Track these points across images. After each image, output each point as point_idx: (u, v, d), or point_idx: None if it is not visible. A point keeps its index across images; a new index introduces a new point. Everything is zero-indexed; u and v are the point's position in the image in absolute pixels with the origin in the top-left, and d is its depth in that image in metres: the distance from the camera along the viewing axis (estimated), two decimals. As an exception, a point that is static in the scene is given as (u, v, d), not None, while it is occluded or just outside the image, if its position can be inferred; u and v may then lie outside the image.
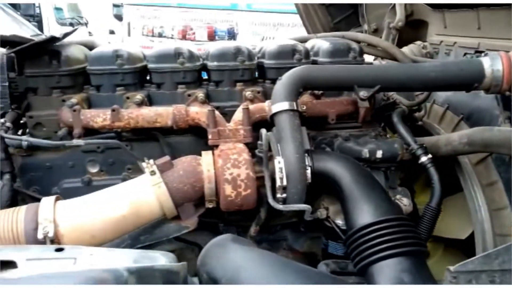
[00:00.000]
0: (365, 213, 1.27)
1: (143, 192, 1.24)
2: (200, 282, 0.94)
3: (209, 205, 1.36)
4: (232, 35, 10.23)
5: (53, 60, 1.48)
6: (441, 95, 1.85)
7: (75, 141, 1.39)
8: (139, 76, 1.58)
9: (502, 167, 1.43)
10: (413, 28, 2.28)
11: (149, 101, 1.56)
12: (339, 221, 1.46)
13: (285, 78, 1.38)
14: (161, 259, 0.90)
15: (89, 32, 10.62)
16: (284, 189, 1.27)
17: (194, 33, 10.05)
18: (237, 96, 1.60)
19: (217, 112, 1.46)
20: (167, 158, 1.31)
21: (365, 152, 1.51)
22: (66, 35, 1.50)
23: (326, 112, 1.53)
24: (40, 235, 1.05)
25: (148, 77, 1.62)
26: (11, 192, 1.32)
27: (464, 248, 1.65)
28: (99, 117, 1.43)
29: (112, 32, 13.18)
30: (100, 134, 1.51)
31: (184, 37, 9.98)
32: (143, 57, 1.60)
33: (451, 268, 1.10)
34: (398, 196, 1.47)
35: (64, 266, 0.78)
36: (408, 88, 1.48)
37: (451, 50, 1.91)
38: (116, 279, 0.69)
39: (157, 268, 0.78)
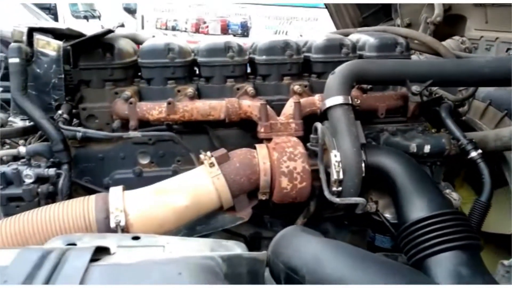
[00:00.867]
0: (418, 207, 1.29)
1: (203, 184, 1.26)
2: (273, 272, 0.96)
3: (262, 197, 1.39)
4: (245, 28, 10.20)
5: (106, 53, 1.50)
6: (482, 91, 1.84)
7: (132, 133, 1.41)
8: (189, 70, 1.60)
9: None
10: (449, 23, 2.28)
11: (198, 94, 1.58)
12: (388, 215, 1.47)
13: (339, 72, 1.39)
14: (235, 248, 0.93)
15: (101, 26, 10.65)
16: (340, 182, 1.29)
17: (207, 27, 10.05)
18: (284, 90, 1.61)
19: (268, 106, 1.48)
20: (223, 150, 1.33)
21: (413, 147, 1.52)
22: (110, 30, 1.51)
23: (376, 106, 1.54)
24: (112, 224, 1.08)
25: (197, 71, 1.64)
26: (69, 182, 1.35)
27: (499, 242, 1.66)
28: (155, 109, 1.45)
29: (122, 25, 13.17)
30: (150, 126, 1.54)
31: (197, 31, 9.98)
32: (191, 51, 1.62)
33: (505, 262, 1.12)
34: (447, 191, 1.48)
35: (157, 254, 0.80)
36: (461, 83, 1.49)
37: (492, 45, 1.90)
38: (216, 266, 0.72)
39: (245, 257, 0.80)
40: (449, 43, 2.12)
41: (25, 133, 1.52)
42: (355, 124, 1.34)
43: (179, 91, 1.55)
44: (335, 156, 1.28)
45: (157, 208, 1.17)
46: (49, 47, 1.41)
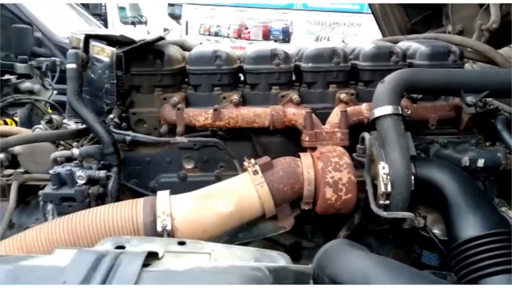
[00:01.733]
0: (472, 225, 1.22)
1: (247, 191, 1.26)
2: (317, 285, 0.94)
3: (305, 207, 1.37)
4: (286, 34, 10.18)
5: (157, 59, 1.55)
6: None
7: (178, 139, 1.44)
8: (235, 77, 1.61)
9: None
10: (506, 30, 2.15)
11: (243, 101, 1.58)
12: (437, 231, 1.41)
13: (389, 81, 1.35)
14: (279, 258, 0.92)
15: (147, 31, 11.04)
16: (387, 195, 1.24)
17: (249, 32, 10.12)
18: (330, 98, 1.58)
19: (313, 114, 1.46)
20: (267, 158, 1.33)
21: (465, 160, 1.45)
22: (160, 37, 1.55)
23: (426, 117, 1.48)
24: (159, 228, 1.10)
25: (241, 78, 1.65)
26: (118, 184, 1.39)
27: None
28: (201, 116, 1.47)
29: (166, 30, 13.59)
30: (196, 131, 1.56)
31: (239, 36, 10.07)
32: (237, 58, 1.63)
33: None
34: (503, 209, 1.39)
35: (204, 261, 0.80)
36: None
37: (554, 54, 1.78)
38: (264, 277, 0.71)
39: (291, 269, 0.79)
40: (505, 51, 2.01)
41: (78, 136, 1.59)
42: (405, 135, 1.29)
43: (224, 97, 1.56)
44: (383, 168, 1.24)
45: (201, 214, 1.18)
46: (104, 53, 1.48)
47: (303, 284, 0.80)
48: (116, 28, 9.23)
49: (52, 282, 0.60)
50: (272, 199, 1.27)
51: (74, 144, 1.49)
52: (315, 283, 0.97)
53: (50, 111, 2.48)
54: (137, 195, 1.53)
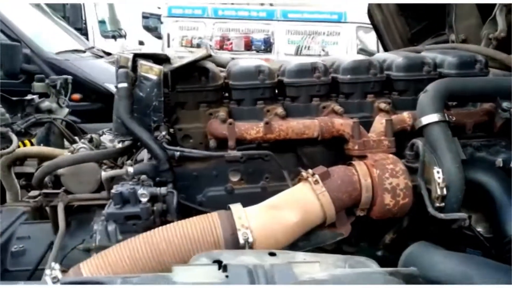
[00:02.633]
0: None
1: (310, 200, 1.31)
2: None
3: (360, 213, 1.42)
4: (268, 44, 10.32)
5: (202, 76, 1.58)
6: None
7: (232, 152, 1.47)
8: (275, 90, 1.66)
9: None
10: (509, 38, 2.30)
11: (284, 113, 1.63)
12: (480, 229, 1.49)
13: (432, 90, 1.44)
14: (369, 263, 0.96)
15: (124, 45, 10.97)
16: (443, 198, 1.32)
17: (231, 43, 10.21)
18: (368, 108, 1.66)
19: (359, 124, 1.52)
20: (323, 168, 1.38)
21: (499, 161, 1.55)
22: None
23: (463, 122, 1.57)
24: (241, 241, 1.13)
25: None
26: (177, 199, 1.40)
27: None
28: (253, 129, 1.51)
29: (141, 43, 13.52)
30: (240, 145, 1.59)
31: (221, 48, 10.14)
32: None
33: None
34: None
35: (317, 270, 0.84)
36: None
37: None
38: (393, 281, 0.75)
39: (402, 273, 0.84)
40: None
41: (122, 154, 1.59)
42: (454, 140, 1.37)
43: (268, 111, 1.61)
44: (437, 173, 1.31)
45: (273, 225, 1.21)
46: (152, 71, 1.50)
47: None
48: (97, 42, 9.10)
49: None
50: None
51: (128, 162, 1.49)
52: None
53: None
54: (185, 209, 1.54)
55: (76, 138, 2.44)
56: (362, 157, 1.48)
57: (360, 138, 1.49)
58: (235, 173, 1.61)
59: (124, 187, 1.34)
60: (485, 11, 2.38)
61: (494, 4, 2.17)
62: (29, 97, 2.18)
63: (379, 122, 1.54)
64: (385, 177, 1.35)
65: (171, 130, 1.61)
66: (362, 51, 10.01)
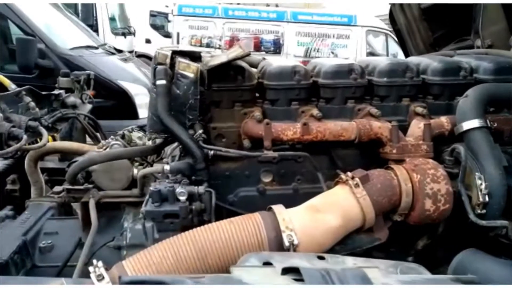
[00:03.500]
0: None
1: (350, 204, 1.29)
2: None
3: (397, 219, 1.41)
4: (277, 45, 10.32)
5: (238, 75, 1.56)
6: None
7: (269, 153, 1.46)
8: (310, 91, 1.64)
9: None
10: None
11: (318, 115, 1.61)
12: (517, 238, 1.47)
13: (472, 96, 1.42)
14: (419, 269, 0.95)
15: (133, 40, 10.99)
16: (484, 205, 1.30)
17: (240, 44, 10.22)
18: (403, 111, 1.64)
19: (396, 127, 1.51)
20: (363, 171, 1.36)
21: (536, 170, 1.52)
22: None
23: (502, 128, 1.55)
24: (286, 243, 1.11)
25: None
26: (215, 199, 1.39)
27: None
28: (290, 130, 1.49)
29: (148, 41, 13.54)
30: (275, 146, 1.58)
31: (231, 48, 10.14)
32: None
33: None
34: None
35: (378, 275, 0.82)
36: None
37: None
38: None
39: (464, 280, 0.82)
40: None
41: (156, 151, 1.58)
42: (496, 147, 1.36)
43: (303, 111, 1.59)
44: (479, 179, 1.30)
45: (316, 228, 1.20)
46: (189, 69, 1.48)
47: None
48: (107, 39, 9.11)
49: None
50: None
51: (164, 160, 1.48)
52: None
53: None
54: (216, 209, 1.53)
55: (98, 134, 2.43)
56: (399, 161, 1.47)
57: (398, 142, 1.47)
58: (267, 174, 1.60)
59: (162, 185, 1.33)
60: (512, 16, 2.37)
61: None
62: (56, 91, 2.18)
63: (417, 126, 1.53)
64: (426, 182, 1.33)
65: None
66: (370, 55, 10.03)
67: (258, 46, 10.16)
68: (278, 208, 1.21)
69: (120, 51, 6.39)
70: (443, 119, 1.55)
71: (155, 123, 1.51)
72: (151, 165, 1.66)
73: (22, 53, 4.56)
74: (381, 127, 1.51)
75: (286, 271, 0.78)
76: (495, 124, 1.50)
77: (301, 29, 10.31)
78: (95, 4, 8.99)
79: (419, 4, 2.79)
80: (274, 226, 1.15)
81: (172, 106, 1.51)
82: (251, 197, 1.57)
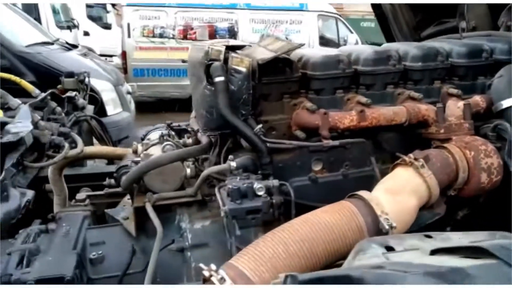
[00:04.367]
0: None
1: (419, 183, 1.37)
2: None
3: (452, 193, 1.51)
4: (232, 33, 10.23)
5: (286, 67, 1.57)
6: None
7: (331, 142, 1.49)
8: (352, 79, 1.69)
9: None
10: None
11: (358, 101, 1.67)
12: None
13: (507, 75, 1.55)
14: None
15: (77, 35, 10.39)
16: (531, 175, 1.44)
17: (194, 33, 9.97)
18: (435, 93, 1.74)
19: (439, 109, 1.60)
20: (423, 152, 1.44)
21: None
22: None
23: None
24: (386, 226, 1.16)
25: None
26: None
27: None
28: (346, 118, 1.53)
29: (86, 34, 12.85)
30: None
31: (185, 37, 9.87)
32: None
33: None
34: None
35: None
36: None
37: None
38: None
39: None
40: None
41: (208, 150, 1.55)
42: (535, 122, 1.50)
43: (348, 99, 1.64)
44: (526, 151, 1.43)
45: (402, 209, 1.26)
46: (242, 64, 1.47)
47: None
48: (53, 33, 8.52)
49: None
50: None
51: (230, 157, 1.46)
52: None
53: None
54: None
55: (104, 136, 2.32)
56: (446, 140, 1.57)
57: (444, 122, 1.57)
58: (317, 162, 1.63)
59: (239, 182, 1.32)
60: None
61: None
62: (69, 94, 2.03)
63: (456, 106, 1.63)
64: (480, 157, 1.44)
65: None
66: (321, 39, 10.31)
67: (213, 34, 10.02)
68: (366, 194, 1.25)
69: (75, 46, 6.02)
70: (478, 98, 1.67)
71: (210, 121, 1.48)
72: (201, 164, 1.63)
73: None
74: (428, 109, 1.59)
75: (434, 252, 0.83)
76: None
77: (254, 16, 10.31)
78: (35, -4, 8.34)
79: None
80: (368, 212, 1.20)
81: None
82: (304, 186, 1.60)
